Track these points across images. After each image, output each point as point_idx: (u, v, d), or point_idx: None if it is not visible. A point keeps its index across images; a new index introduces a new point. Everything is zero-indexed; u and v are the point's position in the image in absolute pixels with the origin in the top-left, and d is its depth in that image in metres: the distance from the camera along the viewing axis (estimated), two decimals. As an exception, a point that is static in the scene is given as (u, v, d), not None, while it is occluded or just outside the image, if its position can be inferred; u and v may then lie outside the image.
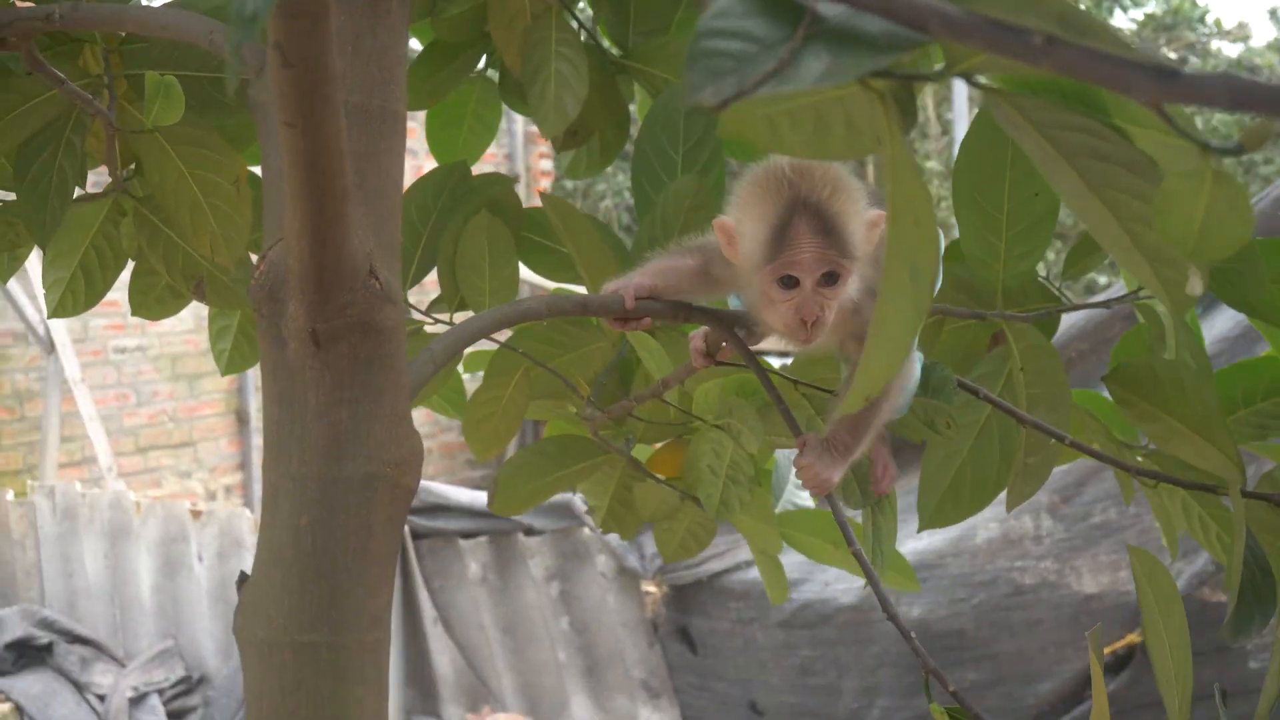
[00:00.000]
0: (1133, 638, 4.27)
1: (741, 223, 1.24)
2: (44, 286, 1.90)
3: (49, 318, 1.98)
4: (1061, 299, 1.71)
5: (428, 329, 1.78)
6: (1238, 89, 0.51)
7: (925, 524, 1.68)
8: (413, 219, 1.74)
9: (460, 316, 1.66)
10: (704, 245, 1.39)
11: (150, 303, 1.99)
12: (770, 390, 1.46)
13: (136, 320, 8.25)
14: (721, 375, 1.67)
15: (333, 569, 1.10)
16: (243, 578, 1.13)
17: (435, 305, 1.78)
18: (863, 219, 1.23)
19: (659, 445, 1.88)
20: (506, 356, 1.76)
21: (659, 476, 1.86)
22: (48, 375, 7.38)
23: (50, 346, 7.26)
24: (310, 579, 1.10)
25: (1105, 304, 1.74)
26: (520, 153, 9.95)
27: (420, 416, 9.39)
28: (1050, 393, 1.60)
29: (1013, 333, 1.61)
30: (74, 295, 1.94)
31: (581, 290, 1.64)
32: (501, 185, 1.79)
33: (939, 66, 0.64)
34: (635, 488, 1.91)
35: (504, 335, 1.72)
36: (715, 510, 1.72)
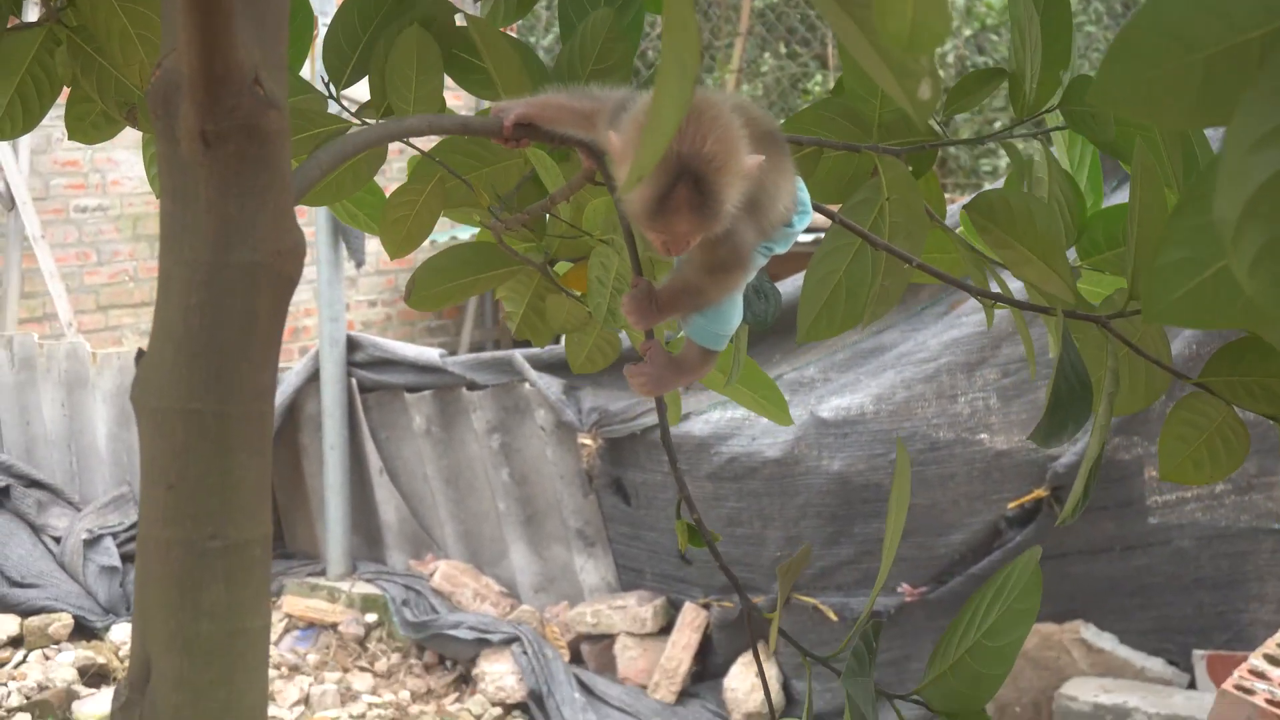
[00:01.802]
0: (1039, 492, 4.45)
1: (628, 156, 1.33)
2: (-18, 112, 1.99)
3: (-12, 141, 2.08)
4: (939, 135, 1.85)
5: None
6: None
7: (803, 337, 1.83)
8: (354, 24, 1.84)
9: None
10: (599, 102, 1.49)
11: (86, 127, 2.09)
12: (625, 231, 1.62)
13: (97, 179, 8.30)
14: (608, 194, 1.80)
15: (219, 345, 1.23)
16: (140, 354, 1.26)
17: (364, 110, 1.88)
18: (742, 175, 1.32)
19: (573, 263, 2.01)
20: (426, 164, 1.89)
21: (572, 291, 1.99)
22: (8, 232, 7.44)
23: (11, 203, 7.31)
24: (198, 354, 1.22)
25: (972, 140, 1.88)
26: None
27: (382, 283, 9.48)
28: (909, 221, 1.74)
29: (883, 164, 1.75)
30: (11, 120, 2.03)
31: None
32: (438, 4, 1.88)
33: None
34: (548, 299, 2.03)
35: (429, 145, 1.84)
36: (603, 319, 1.86)
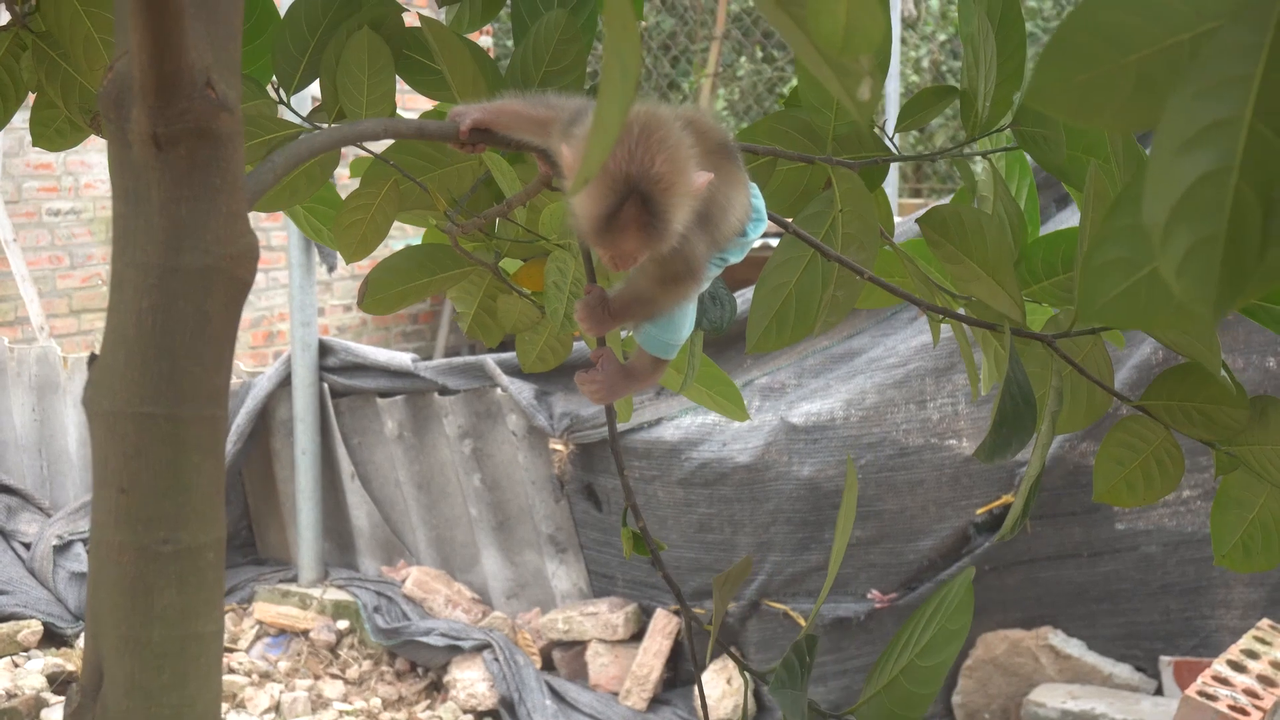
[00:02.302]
0: (1007, 498, 4.47)
1: (577, 169, 1.34)
2: (-52, 115, 1.98)
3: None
4: (891, 150, 1.86)
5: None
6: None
7: (752, 347, 1.84)
8: (301, 29, 1.84)
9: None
10: (555, 110, 1.50)
11: (51, 134, 2.09)
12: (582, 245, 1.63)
13: (70, 183, 8.28)
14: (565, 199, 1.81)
15: (171, 349, 1.22)
16: (92, 358, 1.26)
17: (315, 114, 1.88)
18: (690, 194, 1.33)
19: (524, 261, 2.01)
20: (379, 167, 1.89)
21: (524, 290, 1.99)
22: (-20, 235, 7.42)
23: (-18, 206, 7.29)
24: (151, 357, 1.22)
25: (930, 156, 1.89)
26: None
27: (356, 287, 9.44)
28: (862, 233, 1.76)
29: (836, 176, 1.76)
30: None
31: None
32: (387, 5, 1.89)
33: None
34: (499, 299, 2.03)
35: (383, 147, 1.85)
36: (559, 323, 1.87)
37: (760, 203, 1.56)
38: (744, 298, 4.83)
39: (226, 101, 1.23)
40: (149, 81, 1.18)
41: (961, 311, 1.73)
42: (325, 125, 1.84)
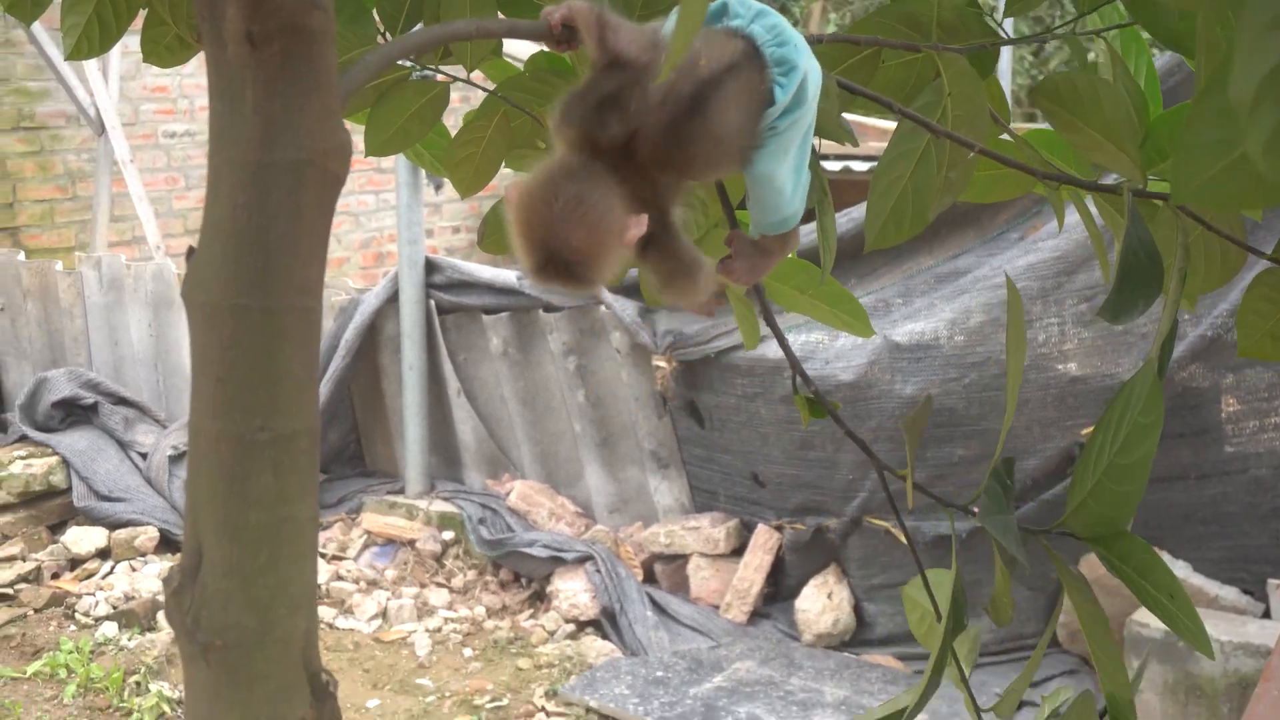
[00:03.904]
0: (1112, 417, 4.41)
1: (510, 225, 1.40)
2: (61, 30, 2.01)
3: (65, 59, 2.10)
4: (999, 34, 1.83)
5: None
6: None
7: (871, 244, 1.83)
8: None
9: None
10: (629, 37, 1.47)
11: (161, 51, 2.12)
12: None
13: (186, 105, 8.41)
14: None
15: (265, 242, 1.25)
16: (190, 251, 1.30)
17: (424, 59, 1.89)
18: (620, 242, 1.38)
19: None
20: (489, 102, 1.91)
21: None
22: (98, 157, 7.56)
23: (101, 128, 7.42)
24: (246, 250, 1.25)
25: (1040, 38, 1.86)
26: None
27: (465, 209, 9.52)
28: (971, 114, 1.73)
29: (943, 62, 1.74)
30: (89, 40, 2.06)
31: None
32: None
33: None
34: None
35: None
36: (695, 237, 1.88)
37: (785, 50, 1.48)
38: (846, 217, 4.80)
39: (318, -1, 1.25)
40: (242, -21, 1.20)
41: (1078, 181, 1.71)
42: (433, 66, 1.86)
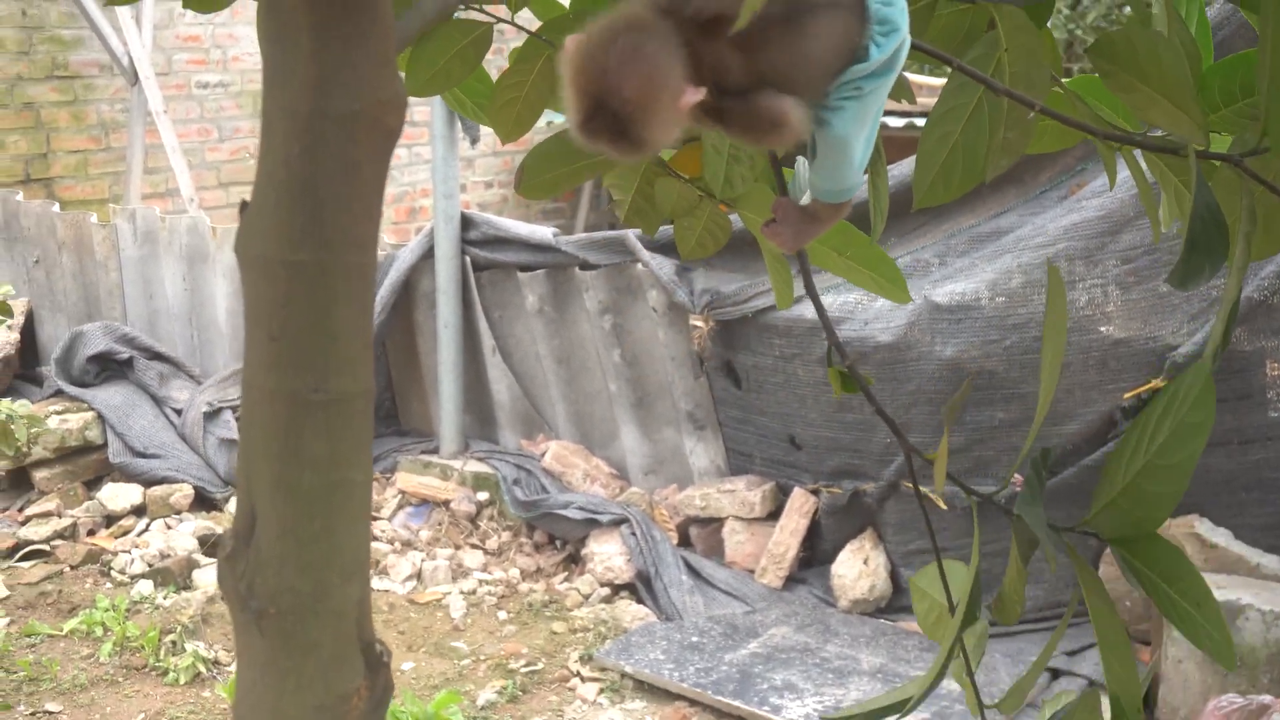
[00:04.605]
0: (1156, 383, 4.35)
1: (563, 76, 1.34)
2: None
3: (102, 5, 2.09)
4: (1054, -17, 1.77)
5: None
6: None
7: (920, 202, 1.77)
8: None
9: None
10: None
11: (200, -5, 2.09)
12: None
13: (219, 55, 8.37)
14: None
15: (320, 195, 1.21)
16: (243, 205, 1.25)
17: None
18: (674, 103, 1.31)
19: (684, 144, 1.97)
20: (532, 45, 1.86)
21: (681, 175, 1.95)
22: (132, 107, 7.53)
23: (134, 78, 7.39)
24: (299, 203, 1.21)
25: None
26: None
27: (499, 164, 9.50)
28: (1030, 70, 1.66)
29: (999, 14, 1.68)
30: None
31: None
32: None
33: None
34: (657, 183, 1.99)
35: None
36: (720, 189, 1.83)
37: (891, 10, 1.45)
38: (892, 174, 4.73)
39: (376, -58, 1.21)
40: (299, -79, 1.15)
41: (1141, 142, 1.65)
42: (476, 4, 1.81)
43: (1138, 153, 1.76)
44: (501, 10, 1.88)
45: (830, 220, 1.62)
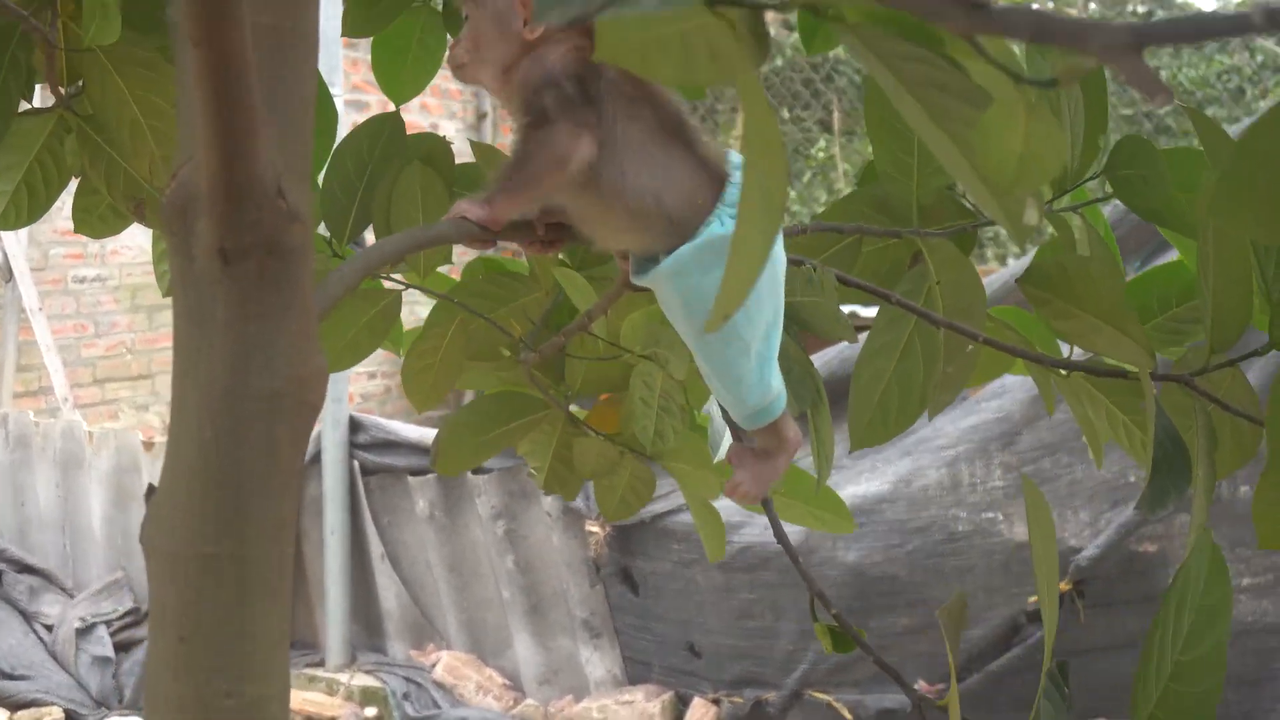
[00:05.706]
0: (1062, 586, 4.33)
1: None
2: (-13, 199, 1.92)
3: (-8, 230, 2.03)
4: (976, 215, 1.74)
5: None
6: (1041, 23, 0.54)
7: (856, 444, 1.71)
8: (348, 171, 1.76)
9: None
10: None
11: (93, 221, 2.02)
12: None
13: (96, 250, 8.22)
14: (647, 304, 1.69)
15: (237, 482, 1.12)
16: (150, 490, 1.15)
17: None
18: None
19: (599, 400, 1.90)
20: (444, 308, 1.80)
21: (599, 432, 1.88)
22: (5, 303, 7.36)
23: (9, 274, 7.23)
24: (214, 490, 1.12)
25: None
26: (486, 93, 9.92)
27: (380, 356, 9.40)
28: (967, 303, 1.62)
29: (928, 248, 1.65)
30: (17, 209, 1.98)
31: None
32: (435, 142, 1.81)
33: (789, -3, 0.67)
34: (575, 444, 1.91)
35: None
36: (650, 443, 1.75)
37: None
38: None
39: (297, 211, 1.13)
40: (218, 191, 1.07)
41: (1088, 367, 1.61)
42: (384, 274, 1.75)
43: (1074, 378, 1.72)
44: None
45: (784, 449, 1.50)
